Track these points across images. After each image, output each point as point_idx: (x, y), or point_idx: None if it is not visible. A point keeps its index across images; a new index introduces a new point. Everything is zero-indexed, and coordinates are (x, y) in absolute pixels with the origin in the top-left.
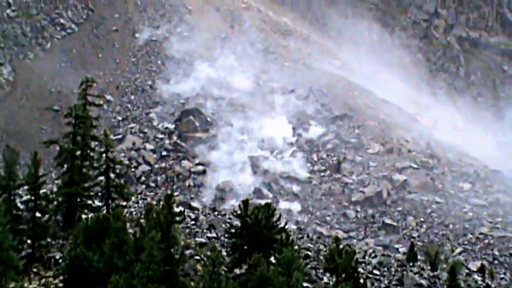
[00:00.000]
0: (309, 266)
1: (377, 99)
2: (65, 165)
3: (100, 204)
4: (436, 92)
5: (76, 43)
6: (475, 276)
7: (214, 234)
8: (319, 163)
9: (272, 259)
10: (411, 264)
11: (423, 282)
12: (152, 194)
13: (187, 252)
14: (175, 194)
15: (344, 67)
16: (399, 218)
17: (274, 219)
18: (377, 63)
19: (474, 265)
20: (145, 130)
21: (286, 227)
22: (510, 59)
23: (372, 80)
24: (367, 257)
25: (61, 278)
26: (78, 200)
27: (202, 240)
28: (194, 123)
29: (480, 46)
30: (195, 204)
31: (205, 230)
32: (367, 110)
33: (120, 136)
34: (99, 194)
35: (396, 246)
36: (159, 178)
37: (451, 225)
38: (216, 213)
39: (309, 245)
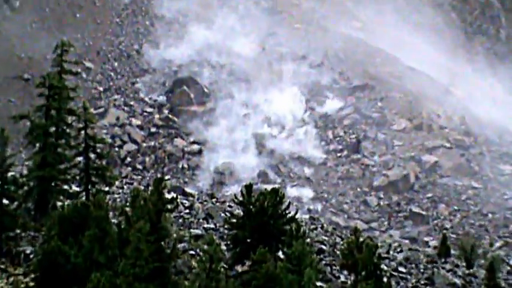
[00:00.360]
0: (323, 262)
1: (403, 67)
2: (37, 144)
3: (78, 189)
4: (473, 58)
5: (50, 0)
6: None
7: (212, 225)
8: (336, 142)
9: (280, 254)
10: (443, 260)
11: (457, 281)
12: (139, 177)
13: (181, 246)
14: (167, 177)
15: (365, 29)
16: (429, 205)
17: (283, 207)
18: (403, 25)
19: None
20: (131, 103)
21: (297, 216)
22: None
23: (397, 45)
24: (391, 252)
25: (32, 276)
26: (53, 184)
27: (198, 231)
28: (188, 95)
29: None
30: (189, 189)
31: (201, 220)
32: (391, 80)
33: (101, 110)
34: (77, 177)
35: (425, 239)
36: (147, 159)
37: (490, 215)
38: (214, 200)
39: (324, 237)
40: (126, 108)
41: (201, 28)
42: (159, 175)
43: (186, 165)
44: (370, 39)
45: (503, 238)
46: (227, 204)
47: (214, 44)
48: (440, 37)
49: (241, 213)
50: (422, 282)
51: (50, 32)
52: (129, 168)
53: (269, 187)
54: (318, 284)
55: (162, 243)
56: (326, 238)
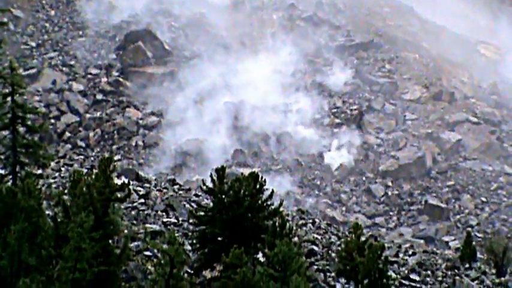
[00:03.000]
0: (315, 266)
1: (419, 21)
2: None
3: (2, 172)
4: (508, 10)
5: None
6: None
7: (173, 219)
8: (331, 114)
9: (260, 256)
10: (467, 265)
11: None
12: (81, 157)
13: (133, 245)
14: (116, 157)
15: None
16: (450, 196)
17: (264, 197)
18: None
19: None
20: (72, 62)
21: (282, 209)
22: None
23: None
24: (401, 255)
25: None
26: None
27: (156, 227)
28: (144, 53)
29: None
30: (145, 173)
31: (160, 213)
32: (403, 36)
33: (33, 71)
34: (2, 157)
35: (445, 238)
36: (91, 134)
37: None
38: (176, 187)
39: (315, 235)
40: (64, 69)
41: None
42: (106, 155)
43: (140, 143)
44: None
45: None
46: (193, 192)
47: None
48: None
49: (211, 205)
50: None
51: None
52: (69, 146)
53: (246, 171)
54: None
55: (110, 241)
56: (318, 237)
